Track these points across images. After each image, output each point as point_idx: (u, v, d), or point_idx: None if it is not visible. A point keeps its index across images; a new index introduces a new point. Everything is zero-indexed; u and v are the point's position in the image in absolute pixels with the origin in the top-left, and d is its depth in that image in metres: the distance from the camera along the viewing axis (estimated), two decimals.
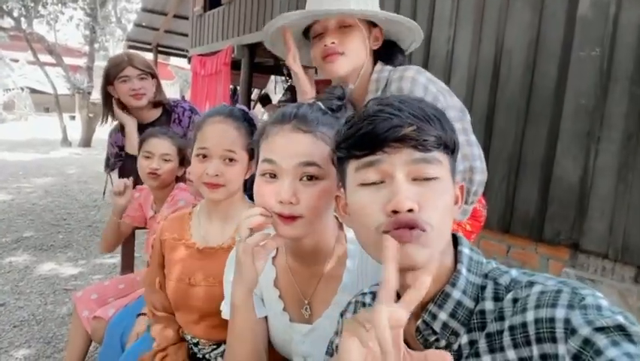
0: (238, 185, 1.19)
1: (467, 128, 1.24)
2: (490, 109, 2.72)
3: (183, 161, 1.83)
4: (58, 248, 3.89)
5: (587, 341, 0.48)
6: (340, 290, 0.87)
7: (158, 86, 2.08)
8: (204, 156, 1.15)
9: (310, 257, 0.89)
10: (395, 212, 0.58)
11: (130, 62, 1.96)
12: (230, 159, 1.15)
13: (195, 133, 1.19)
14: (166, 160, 1.77)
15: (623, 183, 2.13)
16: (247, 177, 1.21)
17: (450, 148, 0.63)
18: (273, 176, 0.80)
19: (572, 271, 2.36)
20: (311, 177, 0.78)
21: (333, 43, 1.20)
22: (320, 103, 0.86)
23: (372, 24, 1.26)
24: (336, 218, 0.92)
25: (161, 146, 1.77)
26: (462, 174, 1.19)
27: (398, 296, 0.70)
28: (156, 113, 2.09)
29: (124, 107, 2.06)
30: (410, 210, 0.58)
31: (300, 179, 0.78)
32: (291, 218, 0.78)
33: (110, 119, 2.13)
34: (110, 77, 1.98)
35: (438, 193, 0.61)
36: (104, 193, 2.57)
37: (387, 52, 1.29)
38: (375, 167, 0.61)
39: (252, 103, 8.08)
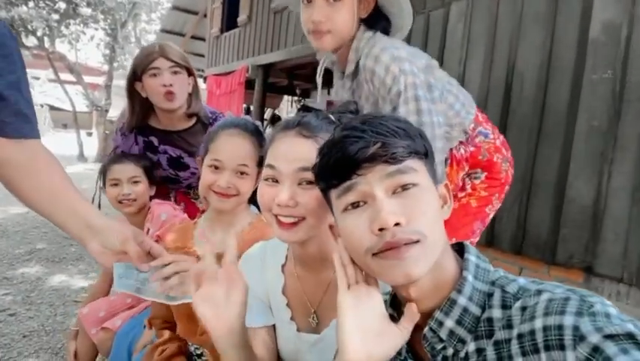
0: (248, 196, 1.21)
1: (430, 97, 1.19)
2: (502, 130, 2.71)
3: (152, 180, 1.78)
4: (69, 261, 3.93)
5: (596, 349, 0.48)
6: None
7: (195, 88, 1.76)
8: (216, 168, 1.16)
9: (317, 264, 0.89)
10: (382, 229, 0.59)
11: (162, 53, 1.63)
12: (242, 172, 1.17)
13: (208, 143, 1.20)
14: (136, 182, 1.70)
15: (637, 205, 2.10)
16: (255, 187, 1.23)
17: (422, 153, 0.64)
18: (275, 181, 0.82)
19: None
20: (310, 182, 0.79)
21: (320, 21, 1.17)
22: (331, 115, 0.88)
23: None
24: None
25: (127, 170, 1.70)
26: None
27: (398, 308, 0.70)
28: (190, 122, 1.79)
29: (150, 110, 1.73)
30: (397, 224, 0.58)
31: (299, 184, 0.81)
32: (292, 224, 0.80)
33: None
34: (138, 70, 1.64)
35: (421, 200, 0.61)
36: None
37: (371, 16, 1.25)
38: (353, 190, 0.62)
39: (265, 122, 8.19)
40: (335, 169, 0.63)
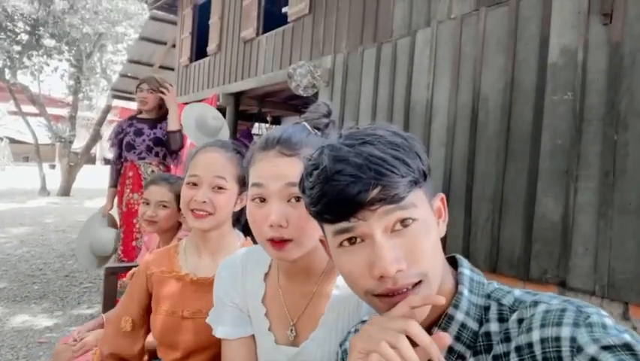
0: (226, 214, 1.19)
1: None
2: (471, 152, 2.81)
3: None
4: (32, 299, 3.72)
5: (593, 360, 0.48)
6: (328, 308, 0.86)
7: (162, 102, 3.30)
8: (194, 184, 1.17)
9: (302, 277, 0.88)
10: (382, 277, 0.56)
11: (146, 81, 3.30)
12: (220, 187, 1.16)
13: (188, 163, 1.22)
14: (164, 207, 1.84)
15: (603, 219, 2.18)
16: (237, 208, 1.22)
17: (421, 179, 0.60)
18: (263, 200, 0.81)
19: None
20: (298, 198, 0.79)
21: None
22: (306, 123, 0.87)
23: None
24: None
25: (158, 193, 1.86)
26: None
27: None
28: (157, 116, 3.34)
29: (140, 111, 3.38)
30: (399, 270, 0.56)
31: (288, 200, 0.80)
32: (282, 243, 0.79)
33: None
34: (136, 87, 3.32)
35: (421, 236, 0.58)
36: None
37: None
38: (351, 232, 0.59)
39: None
40: (329, 207, 0.58)
